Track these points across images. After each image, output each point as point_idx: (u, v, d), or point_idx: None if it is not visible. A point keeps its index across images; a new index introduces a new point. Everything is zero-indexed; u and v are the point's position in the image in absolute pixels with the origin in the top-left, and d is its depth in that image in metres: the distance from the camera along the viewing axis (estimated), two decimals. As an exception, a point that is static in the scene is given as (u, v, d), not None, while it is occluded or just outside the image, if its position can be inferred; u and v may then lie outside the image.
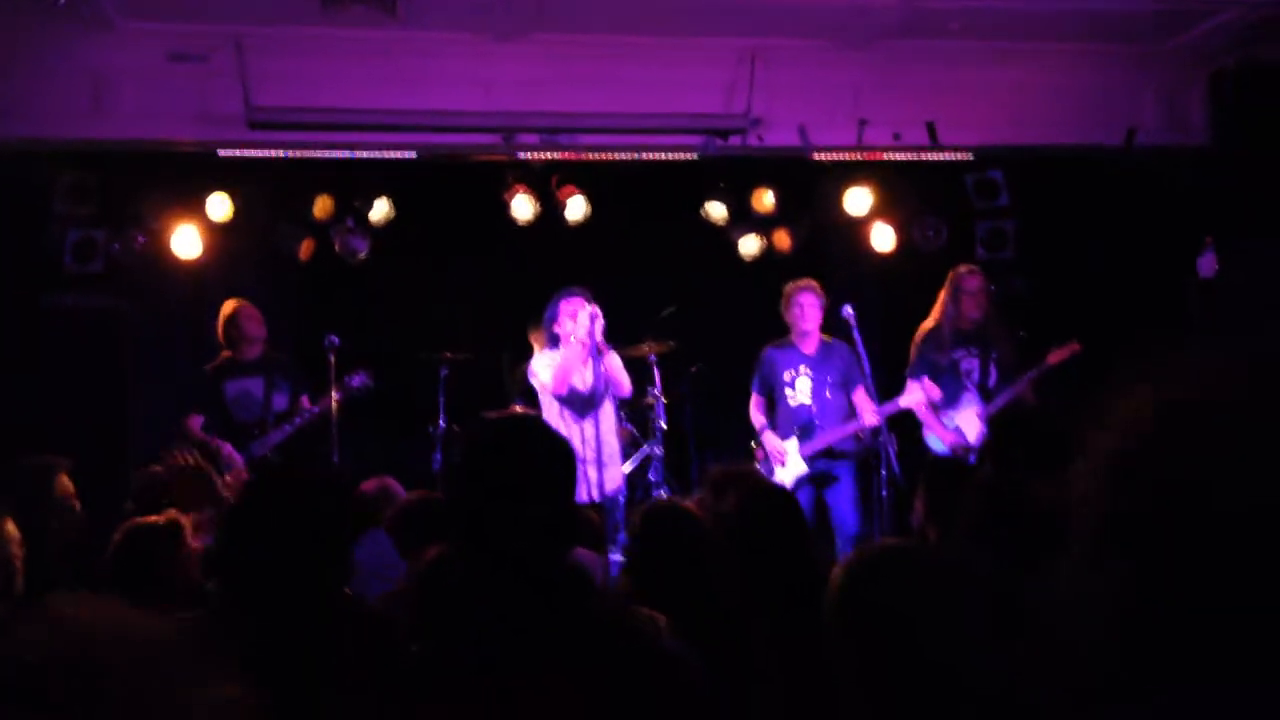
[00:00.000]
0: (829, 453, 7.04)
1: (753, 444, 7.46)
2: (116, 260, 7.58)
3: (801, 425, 7.10)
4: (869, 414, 6.78)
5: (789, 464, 7.05)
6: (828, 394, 7.06)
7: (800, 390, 7.15)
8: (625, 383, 7.07)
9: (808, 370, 7.13)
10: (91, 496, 4.45)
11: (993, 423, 3.61)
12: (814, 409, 7.11)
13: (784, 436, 7.15)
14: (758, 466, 7.08)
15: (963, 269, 7.21)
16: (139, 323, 7.26)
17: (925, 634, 1.86)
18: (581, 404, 6.96)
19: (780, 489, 3.50)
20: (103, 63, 7.06)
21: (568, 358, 6.86)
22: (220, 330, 7.16)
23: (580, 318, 6.84)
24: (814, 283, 7.21)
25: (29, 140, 7.16)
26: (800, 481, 6.99)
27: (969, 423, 6.92)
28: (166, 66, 7.05)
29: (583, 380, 6.97)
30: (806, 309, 7.09)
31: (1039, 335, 7.45)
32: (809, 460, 7.04)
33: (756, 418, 7.39)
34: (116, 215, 7.55)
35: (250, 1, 6.49)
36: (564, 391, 6.88)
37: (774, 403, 7.30)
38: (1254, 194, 7.87)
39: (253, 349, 7.15)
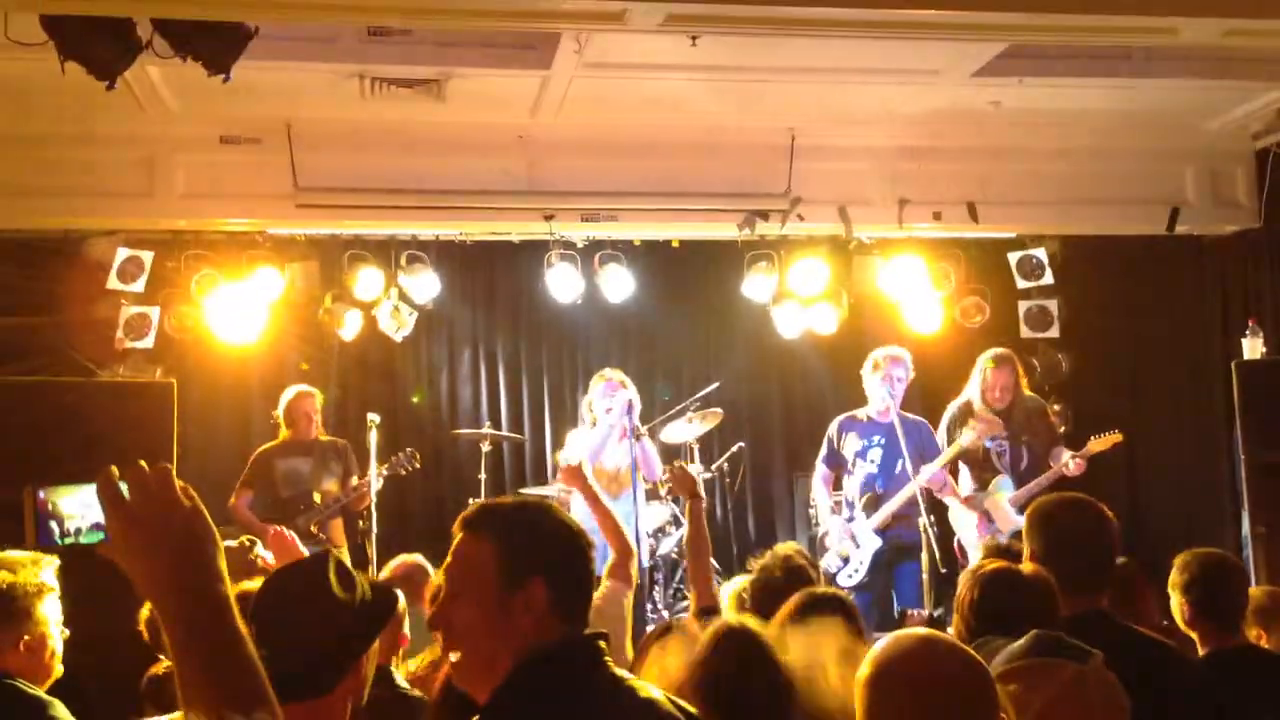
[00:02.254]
0: (895, 521, 6.86)
1: (817, 527, 7.30)
2: (167, 336, 7.72)
3: (869, 495, 6.95)
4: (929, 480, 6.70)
5: (863, 544, 6.94)
6: (898, 468, 6.89)
7: (871, 460, 7.03)
8: (656, 467, 7.32)
9: (881, 441, 7.02)
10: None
11: (1032, 516, 3.57)
12: (881, 480, 6.97)
13: (849, 508, 7.03)
14: (829, 551, 6.98)
15: (988, 360, 7.07)
16: (187, 397, 7.36)
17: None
18: (610, 484, 7.17)
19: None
20: (157, 144, 7.27)
21: (601, 437, 7.21)
22: (281, 412, 7.32)
23: (615, 402, 7.11)
24: (905, 352, 7.11)
25: (86, 219, 7.38)
26: (876, 558, 6.88)
27: (998, 508, 6.85)
28: (218, 148, 7.24)
29: (613, 461, 7.24)
30: (897, 381, 6.96)
31: (1082, 414, 7.39)
32: (881, 534, 6.93)
33: (824, 495, 7.20)
34: (167, 292, 7.71)
35: (300, 86, 6.65)
36: (589, 471, 7.04)
37: (840, 478, 7.18)
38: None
39: (310, 432, 7.30)
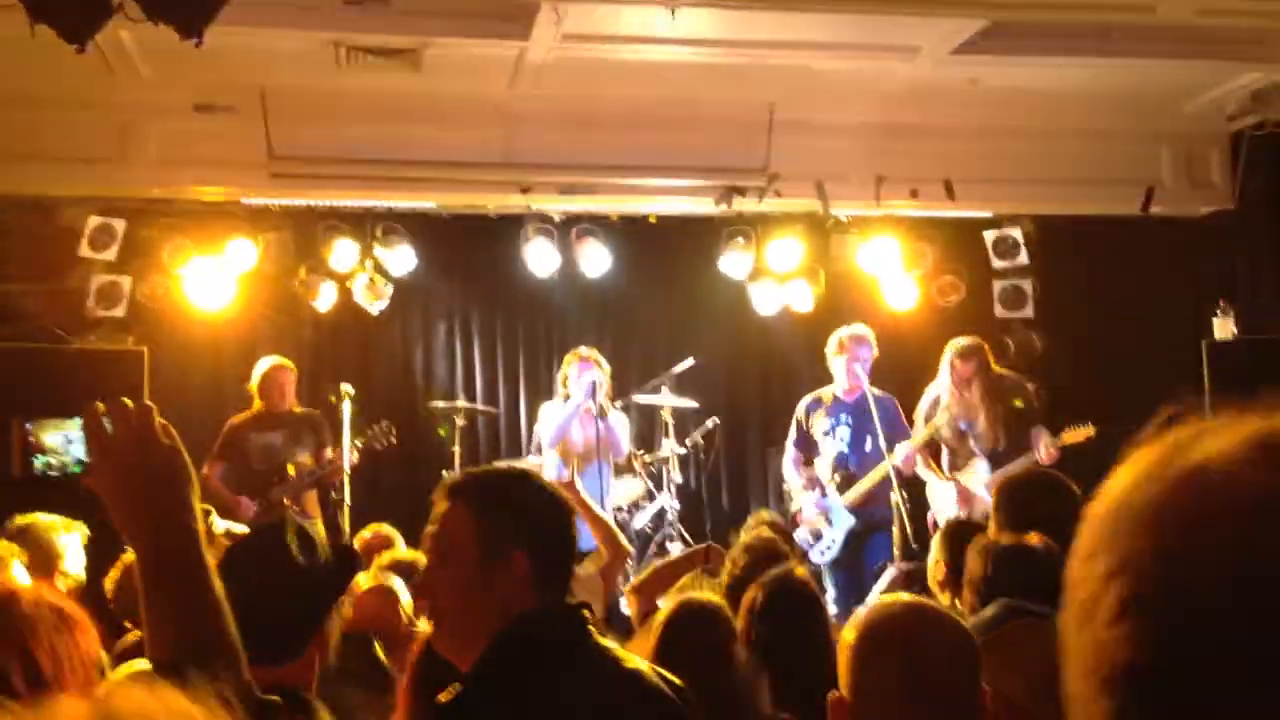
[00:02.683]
0: (870, 501, 6.88)
1: (790, 506, 7.31)
2: (139, 305, 7.67)
3: (842, 472, 6.99)
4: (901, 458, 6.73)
5: (835, 522, 6.96)
6: (868, 445, 6.92)
7: (840, 438, 7.07)
8: (621, 446, 7.42)
9: (848, 419, 7.05)
10: (105, 541, 4.49)
11: (998, 489, 3.60)
12: (853, 457, 7.01)
13: (821, 484, 7.05)
14: (801, 527, 6.99)
15: (954, 351, 7.04)
16: (159, 367, 7.33)
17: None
18: (578, 460, 7.26)
19: (803, 587, 3.45)
20: (130, 111, 7.20)
21: (567, 415, 7.28)
22: (255, 384, 7.28)
23: (582, 380, 7.18)
24: (868, 331, 7.12)
25: (57, 186, 7.31)
26: (849, 535, 6.91)
27: (974, 488, 6.89)
28: (192, 116, 7.17)
29: (580, 438, 7.32)
30: (862, 360, 6.98)
31: (1055, 394, 7.43)
32: (854, 511, 6.95)
33: (796, 474, 7.23)
34: (140, 261, 7.65)
35: (275, 54, 6.59)
36: (552, 446, 7.32)
37: (811, 458, 7.20)
38: (1274, 255, 7.87)
39: (282, 404, 7.27)
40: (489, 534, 2.15)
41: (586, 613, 2.19)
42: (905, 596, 2.14)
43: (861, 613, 2.05)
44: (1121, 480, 0.76)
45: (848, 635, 2.01)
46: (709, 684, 2.69)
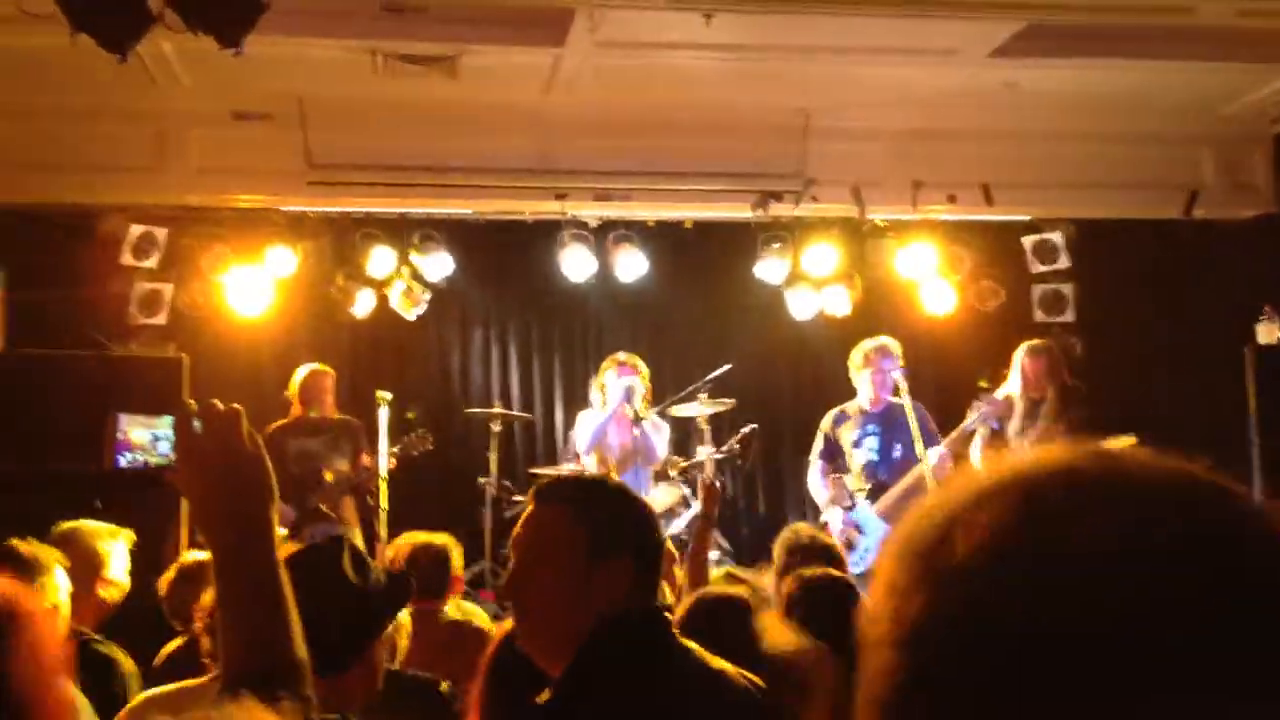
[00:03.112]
0: (903, 509, 6.85)
1: (822, 518, 7.23)
2: (180, 312, 7.74)
3: (872, 481, 6.94)
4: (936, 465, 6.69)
5: (868, 530, 6.91)
6: (897, 453, 6.89)
7: (869, 448, 7.02)
8: (655, 451, 7.40)
9: (876, 429, 7.01)
10: (146, 547, 4.56)
11: None
12: (882, 466, 6.96)
13: (850, 496, 7.01)
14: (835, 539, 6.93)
15: (1023, 351, 6.98)
16: (200, 374, 7.39)
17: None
18: (616, 467, 7.26)
19: (841, 582, 3.49)
20: (170, 120, 7.27)
21: (602, 421, 7.31)
22: (294, 390, 7.32)
23: (619, 385, 7.23)
24: (893, 342, 7.08)
25: (99, 194, 7.40)
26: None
27: None
28: (230, 124, 7.23)
29: (617, 444, 7.34)
30: (887, 373, 6.92)
31: (1095, 399, 7.35)
32: (886, 519, 6.88)
33: (822, 487, 7.15)
34: (181, 269, 7.73)
35: (313, 62, 6.64)
36: (588, 452, 7.34)
37: (837, 469, 7.14)
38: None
39: (321, 410, 7.32)
40: (595, 537, 2.15)
41: (669, 615, 2.23)
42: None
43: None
44: (913, 516, 0.80)
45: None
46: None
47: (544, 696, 2.06)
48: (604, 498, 2.26)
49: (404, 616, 3.86)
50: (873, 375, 6.94)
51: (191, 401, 1.67)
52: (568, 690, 2.05)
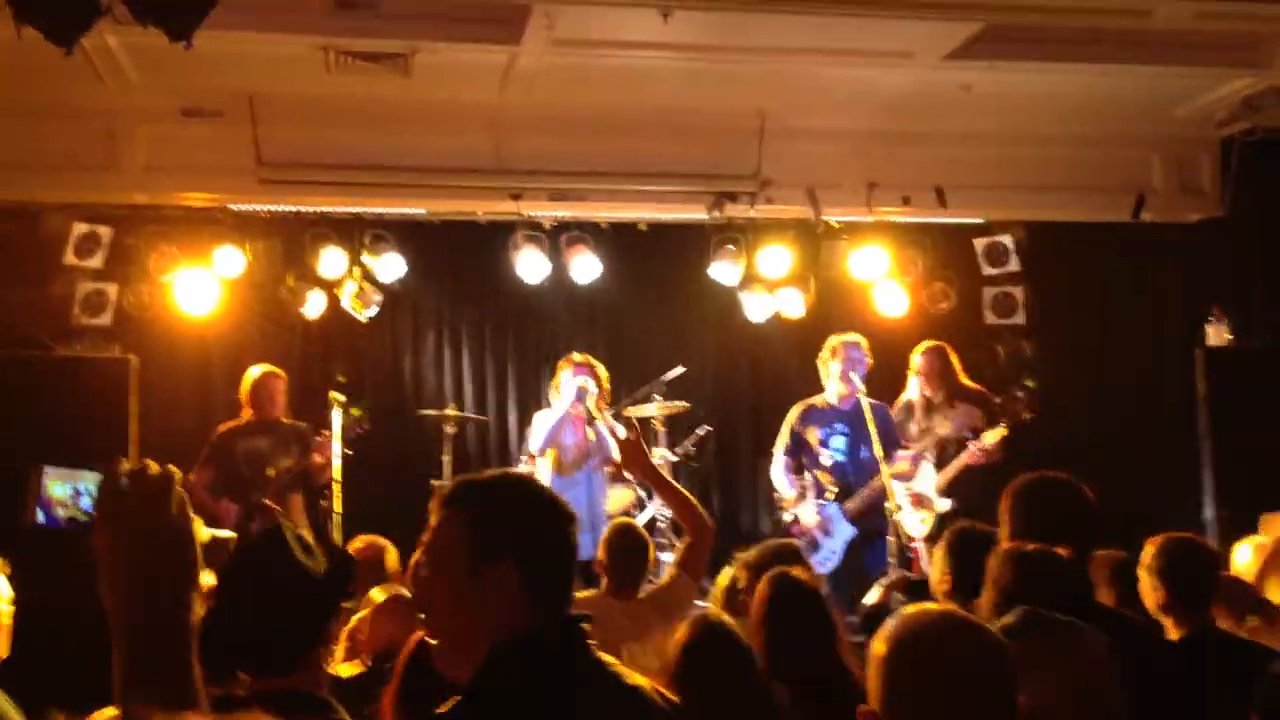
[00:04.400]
0: (869, 511, 6.84)
1: (784, 515, 7.22)
2: (126, 313, 7.60)
3: (840, 482, 6.93)
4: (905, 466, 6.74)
5: (835, 531, 6.90)
6: (863, 453, 6.86)
7: (836, 447, 7.01)
8: (611, 450, 7.27)
9: (844, 428, 7.01)
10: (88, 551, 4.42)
11: (1009, 494, 3.57)
12: (850, 466, 6.95)
13: (817, 497, 7.00)
14: (792, 533, 6.92)
15: (918, 352, 7.24)
16: (146, 375, 7.25)
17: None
18: (569, 467, 7.27)
19: (806, 587, 3.48)
20: (117, 117, 7.13)
21: (555, 421, 7.25)
22: (245, 392, 7.20)
23: (572, 385, 7.19)
24: (862, 340, 7.10)
25: (42, 192, 7.24)
26: (848, 544, 6.86)
27: (926, 490, 6.95)
28: (180, 121, 7.10)
29: (572, 443, 7.29)
30: (857, 365, 6.95)
31: (1046, 401, 7.43)
32: (853, 521, 6.90)
33: (788, 483, 7.11)
34: (127, 268, 7.58)
35: (264, 59, 6.53)
36: (541, 451, 7.29)
37: (803, 465, 7.12)
38: (1264, 262, 7.88)
39: (272, 412, 7.20)
40: (477, 542, 2.07)
41: (586, 626, 2.10)
42: (935, 607, 2.09)
43: (892, 625, 1.98)
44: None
45: (878, 647, 1.94)
46: (733, 699, 2.67)
47: (444, 708, 1.99)
48: (494, 500, 2.15)
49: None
50: (842, 368, 6.93)
51: (124, 460, 1.53)
52: (464, 705, 1.98)
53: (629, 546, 4.63)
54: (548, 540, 2.13)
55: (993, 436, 6.75)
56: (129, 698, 1.46)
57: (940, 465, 6.99)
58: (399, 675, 2.87)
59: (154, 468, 1.55)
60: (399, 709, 2.81)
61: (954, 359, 7.24)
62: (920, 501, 6.88)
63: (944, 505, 6.85)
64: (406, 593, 3.93)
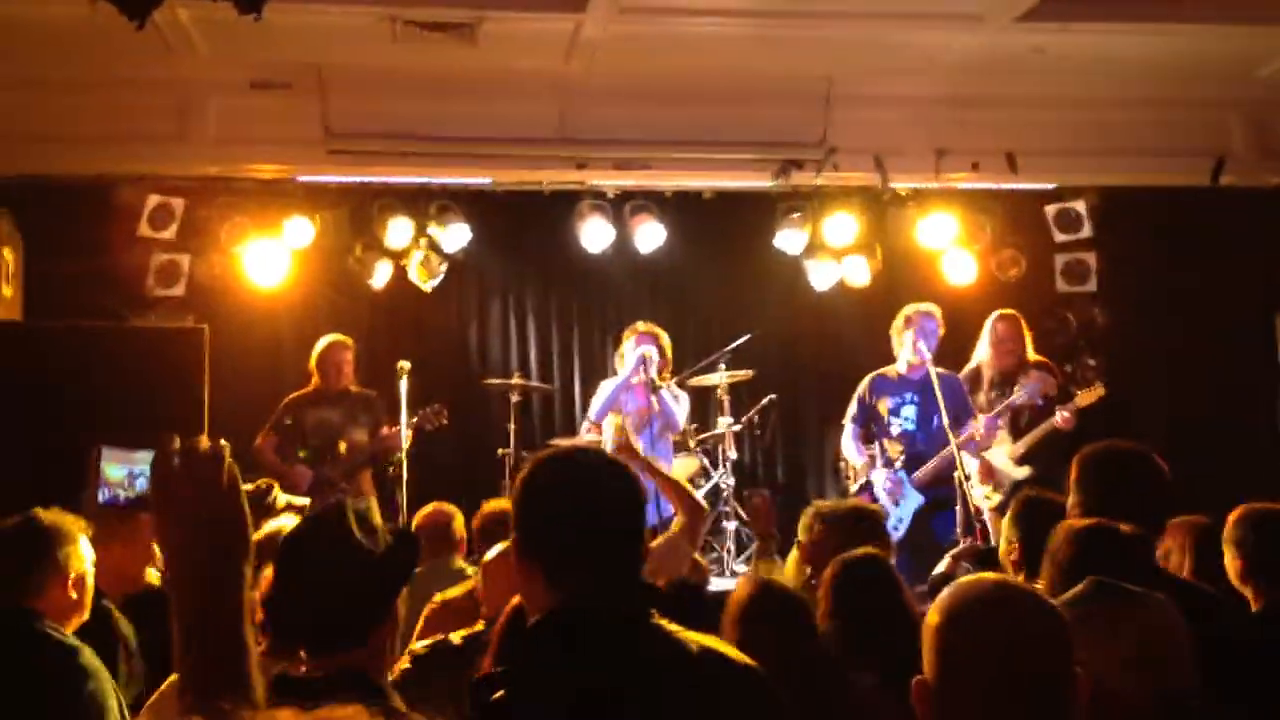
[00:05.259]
0: (938, 481, 6.78)
1: (850, 484, 7.15)
2: (198, 283, 7.72)
3: (910, 451, 6.86)
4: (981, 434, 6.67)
5: (904, 500, 6.86)
6: (934, 423, 6.72)
7: (906, 417, 6.92)
8: (676, 419, 7.33)
9: (914, 398, 6.92)
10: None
11: (1078, 463, 3.51)
12: (920, 435, 6.86)
13: (886, 466, 6.94)
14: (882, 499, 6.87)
15: (994, 318, 7.06)
16: (217, 345, 7.37)
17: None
18: (629, 431, 7.20)
19: (872, 558, 3.47)
20: (188, 90, 7.22)
21: (615, 387, 7.29)
22: (314, 361, 7.30)
23: (636, 354, 7.18)
24: (937, 309, 6.97)
25: (116, 165, 7.36)
26: (917, 512, 6.81)
27: (997, 461, 6.85)
28: (249, 93, 7.18)
29: (633, 410, 7.27)
30: (930, 335, 6.83)
31: (1118, 369, 7.31)
32: (922, 490, 6.85)
33: (857, 452, 7.01)
34: (198, 239, 7.70)
35: (331, 30, 6.57)
36: (599, 417, 7.28)
37: (872, 435, 7.03)
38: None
39: (340, 382, 7.28)
40: (517, 524, 2.10)
41: (626, 602, 2.01)
42: (990, 576, 2.06)
43: (945, 594, 1.97)
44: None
45: (932, 618, 1.93)
46: (792, 659, 2.65)
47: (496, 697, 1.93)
48: (524, 479, 2.12)
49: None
50: (914, 338, 6.83)
51: (176, 438, 1.56)
52: (510, 694, 1.91)
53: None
54: (557, 518, 2.06)
55: (1088, 397, 6.63)
56: (183, 674, 1.50)
57: (1015, 433, 6.88)
58: (495, 640, 2.88)
59: (205, 444, 1.56)
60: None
61: (1026, 330, 7.10)
62: (990, 473, 6.80)
63: (1021, 473, 6.75)
64: None
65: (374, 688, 2.28)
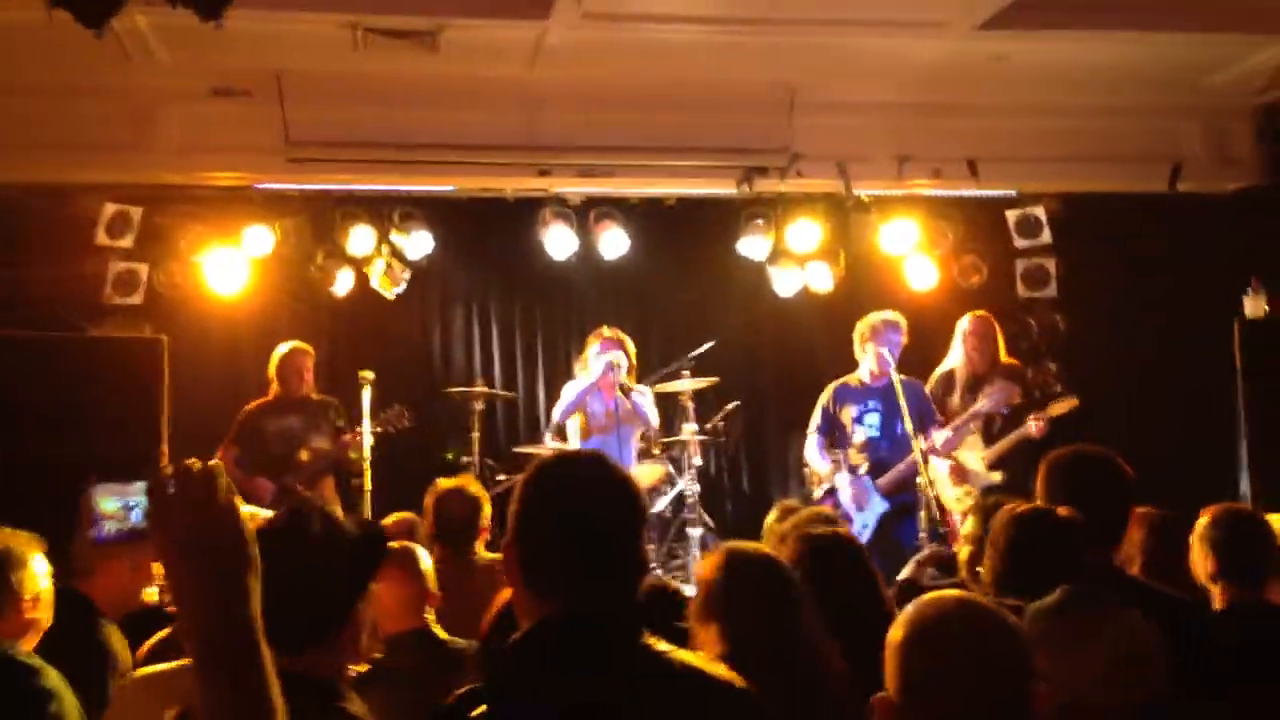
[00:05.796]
0: (902, 487, 6.80)
1: (813, 490, 7.17)
2: (157, 292, 7.64)
3: (874, 460, 6.86)
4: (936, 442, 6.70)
5: (869, 506, 6.87)
6: (898, 429, 6.78)
7: (869, 424, 6.95)
8: (648, 416, 7.44)
9: (877, 405, 6.95)
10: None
11: (1044, 465, 3.54)
12: (884, 443, 6.89)
13: (851, 472, 6.96)
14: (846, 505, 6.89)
15: (966, 321, 7.08)
16: (177, 355, 7.28)
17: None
18: (599, 433, 7.32)
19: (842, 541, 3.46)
20: (147, 97, 7.14)
21: (580, 394, 7.36)
22: (273, 369, 7.23)
23: (601, 359, 7.23)
24: (901, 318, 7.02)
25: (73, 173, 7.26)
26: (881, 518, 6.83)
27: (969, 464, 6.88)
28: (209, 101, 7.11)
29: (601, 411, 7.35)
30: (893, 346, 6.88)
31: (1079, 374, 7.36)
32: (886, 496, 6.85)
33: (822, 459, 7.04)
34: (157, 248, 7.62)
35: (292, 37, 6.52)
36: (563, 418, 7.43)
37: (835, 442, 7.04)
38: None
39: (300, 389, 7.22)
40: (509, 522, 2.01)
41: (615, 616, 1.93)
42: (954, 593, 2.07)
43: (909, 612, 1.97)
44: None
45: (894, 633, 1.94)
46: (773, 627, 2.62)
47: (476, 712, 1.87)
48: (525, 477, 2.06)
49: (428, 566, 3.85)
50: (877, 347, 6.87)
51: (166, 464, 1.58)
52: (491, 707, 1.87)
53: (455, 510, 4.85)
54: (540, 528, 1.98)
55: (1061, 407, 6.67)
56: (202, 698, 1.49)
57: (988, 439, 6.91)
58: (481, 641, 2.86)
59: (196, 465, 1.56)
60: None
61: (999, 332, 7.12)
62: (962, 475, 6.83)
63: (993, 478, 6.79)
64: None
65: (328, 688, 2.25)
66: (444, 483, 5.08)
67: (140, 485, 1.68)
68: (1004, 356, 7.11)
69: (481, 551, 4.92)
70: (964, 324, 7.11)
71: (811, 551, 3.31)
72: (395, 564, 3.56)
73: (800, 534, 3.46)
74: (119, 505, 1.87)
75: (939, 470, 6.91)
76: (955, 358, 7.14)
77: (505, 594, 2.78)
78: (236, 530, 1.55)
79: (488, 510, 4.98)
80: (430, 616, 3.79)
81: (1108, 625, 2.22)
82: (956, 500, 6.80)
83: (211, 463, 1.57)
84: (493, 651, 2.64)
